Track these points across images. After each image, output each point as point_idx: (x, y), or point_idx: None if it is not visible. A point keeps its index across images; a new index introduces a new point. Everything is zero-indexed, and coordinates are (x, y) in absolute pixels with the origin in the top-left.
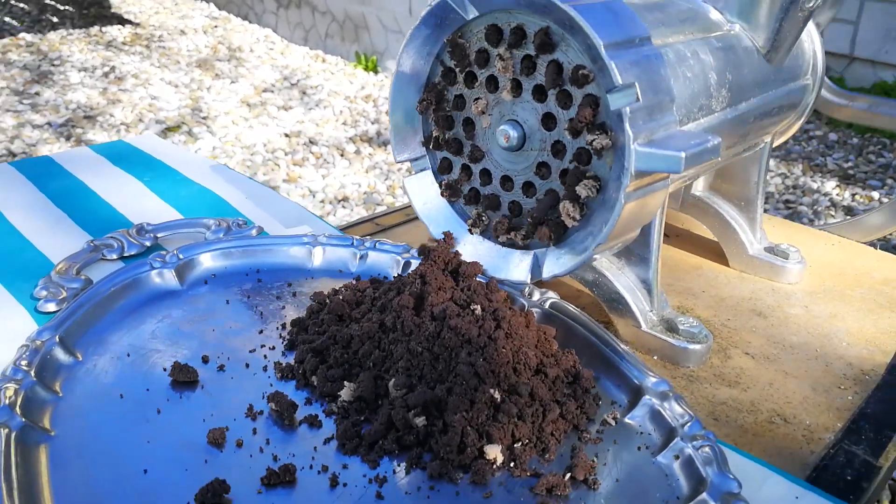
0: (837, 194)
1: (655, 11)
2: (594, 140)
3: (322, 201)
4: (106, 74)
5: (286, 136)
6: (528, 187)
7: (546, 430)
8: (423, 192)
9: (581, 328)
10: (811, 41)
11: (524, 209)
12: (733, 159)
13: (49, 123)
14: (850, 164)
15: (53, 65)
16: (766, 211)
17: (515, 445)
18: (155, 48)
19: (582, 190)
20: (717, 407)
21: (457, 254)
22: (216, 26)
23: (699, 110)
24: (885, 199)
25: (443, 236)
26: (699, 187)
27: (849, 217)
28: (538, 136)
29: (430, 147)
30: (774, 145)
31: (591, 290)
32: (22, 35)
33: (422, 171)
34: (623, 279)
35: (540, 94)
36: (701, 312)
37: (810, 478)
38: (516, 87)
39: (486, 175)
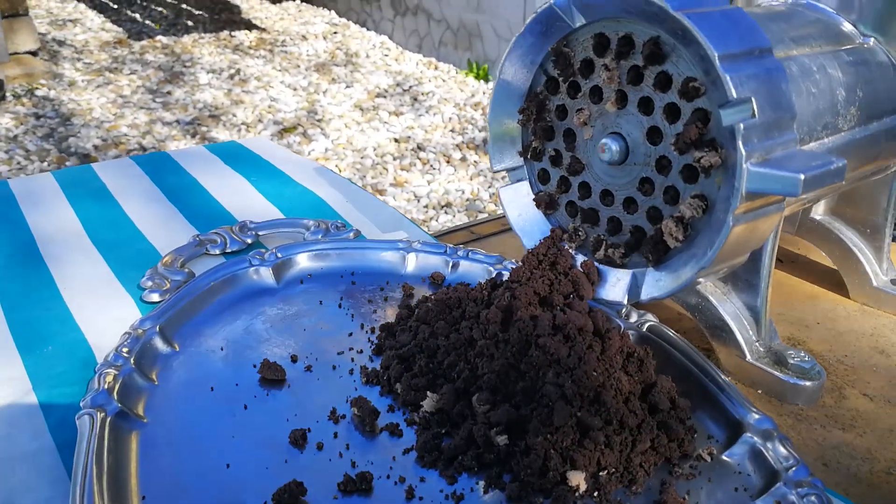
0: None
1: (780, 21)
2: (702, 157)
3: (426, 206)
4: (231, 76)
5: (395, 140)
6: (630, 203)
7: (634, 461)
8: (519, 203)
9: (680, 355)
10: None
11: (624, 226)
12: (859, 182)
13: (178, 121)
14: None
15: (185, 66)
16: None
17: (601, 474)
18: (278, 52)
19: (686, 210)
20: (828, 451)
21: (562, 251)
22: (335, 32)
23: (823, 129)
24: None
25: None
26: (819, 211)
27: None
28: (642, 151)
29: (529, 157)
30: None
31: (693, 314)
32: (159, 37)
33: (518, 181)
34: (728, 305)
35: (646, 106)
36: (814, 346)
37: None
38: (621, 99)
39: (584, 188)
